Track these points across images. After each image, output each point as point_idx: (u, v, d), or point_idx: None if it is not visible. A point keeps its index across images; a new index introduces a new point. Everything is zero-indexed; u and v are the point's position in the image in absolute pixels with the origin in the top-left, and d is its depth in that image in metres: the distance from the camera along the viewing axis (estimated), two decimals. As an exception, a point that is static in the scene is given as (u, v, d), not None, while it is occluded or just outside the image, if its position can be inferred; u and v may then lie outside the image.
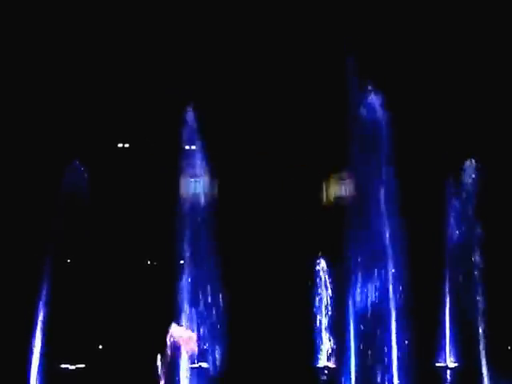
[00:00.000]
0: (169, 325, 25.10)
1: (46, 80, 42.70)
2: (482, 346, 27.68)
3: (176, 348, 24.69)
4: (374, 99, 29.14)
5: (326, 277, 35.00)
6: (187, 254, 28.80)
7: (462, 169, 31.23)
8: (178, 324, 26.01)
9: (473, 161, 31.08)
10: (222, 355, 29.39)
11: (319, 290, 34.97)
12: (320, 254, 35.36)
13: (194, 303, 28.51)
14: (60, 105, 42.72)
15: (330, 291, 34.75)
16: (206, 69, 43.53)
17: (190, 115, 30.67)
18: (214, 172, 30.60)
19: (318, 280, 35.13)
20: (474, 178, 30.70)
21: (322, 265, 35.38)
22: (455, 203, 32.62)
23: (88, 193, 31.12)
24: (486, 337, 27.78)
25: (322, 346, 34.02)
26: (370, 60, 31.52)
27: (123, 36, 44.62)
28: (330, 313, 34.49)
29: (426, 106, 40.99)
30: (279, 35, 44.22)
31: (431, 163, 38.91)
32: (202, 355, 29.39)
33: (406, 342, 27.26)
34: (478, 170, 30.76)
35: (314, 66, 43.14)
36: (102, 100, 43.70)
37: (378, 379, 27.54)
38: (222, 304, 29.35)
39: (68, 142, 41.02)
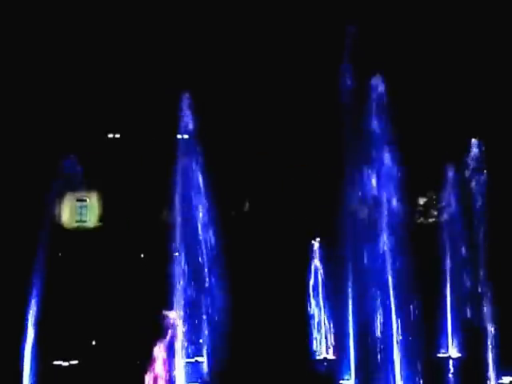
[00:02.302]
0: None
1: (34, 70, 42.36)
2: (486, 336, 27.25)
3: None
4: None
5: (324, 266, 34.74)
6: (182, 246, 28.51)
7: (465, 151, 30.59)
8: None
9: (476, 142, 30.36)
10: (219, 348, 29.13)
11: (317, 279, 34.74)
12: (317, 240, 35.16)
13: (188, 296, 28.22)
14: (48, 95, 42.39)
15: (327, 280, 34.50)
16: (200, 56, 43.27)
17: (183, 104, 30.16)
18: (209, 164, 30.16)
19: (315, 269, 34.89)
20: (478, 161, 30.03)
21: (318, 254, 35.20)
22: (456, 184, 32.52)
23: (81, 184, 30.79)
24: (490, 326, 27.36)
25: (321, 338, 33.80)
26: (371, 44, 31.03)
27: (114, 26, 44.33)
28: (328, 303, 34.23)
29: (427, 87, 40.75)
30: (281, 37, 44.05)
31: (433, 145, 38.75)
32: (197, 349, 29.14)
33: (407, 331, 26.81)
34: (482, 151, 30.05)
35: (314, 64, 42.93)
36: (92, 89, 43.39)
37: (379, 370, 27.10)
38: (217, 297, 29.14)
39: (57, 133, 40.75)
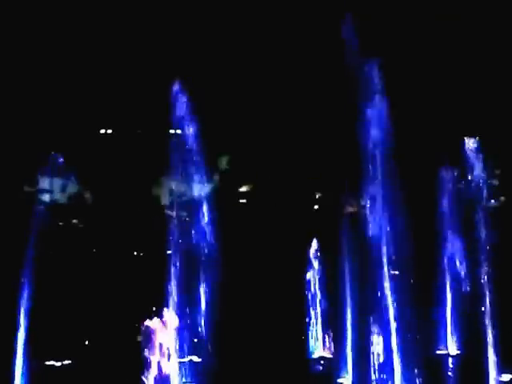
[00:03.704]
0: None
1: (21, 63, 42.19)
2: (485, 333, 27.02)
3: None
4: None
5: (321, 264, 34.69)
6: (177, 244, 28.34)
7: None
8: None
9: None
10: (214, 348, 28.99)
11: (313, 278, 34.70)
12: (314, 240, 35.12)
13: (183, 295, 28.06)
14: (37, 88, 42.21)
15: (324, 279, 34.45)
16: (193, 48, 43.18)
17: (177, 97, 29.94)
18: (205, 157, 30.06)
19: (311, 268, 34.85)
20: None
21: (315, 252, 35.17)
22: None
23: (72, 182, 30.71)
24: (489, 323, 27.14)
25: (318, 336, 33.73)
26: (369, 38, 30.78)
27: (104, 20, 44.22)
28: (324, 301, 34.19)
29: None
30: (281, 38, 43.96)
31: (428, 144, 38.62)
32: (192, 348, 29.00)
33: (406, 329, 26.60)
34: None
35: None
36: (83, 83, 43.17)
37: (377, 368, 26.94)
38: (212, 295, 29.05)
39: (47, 129, 40.59)
